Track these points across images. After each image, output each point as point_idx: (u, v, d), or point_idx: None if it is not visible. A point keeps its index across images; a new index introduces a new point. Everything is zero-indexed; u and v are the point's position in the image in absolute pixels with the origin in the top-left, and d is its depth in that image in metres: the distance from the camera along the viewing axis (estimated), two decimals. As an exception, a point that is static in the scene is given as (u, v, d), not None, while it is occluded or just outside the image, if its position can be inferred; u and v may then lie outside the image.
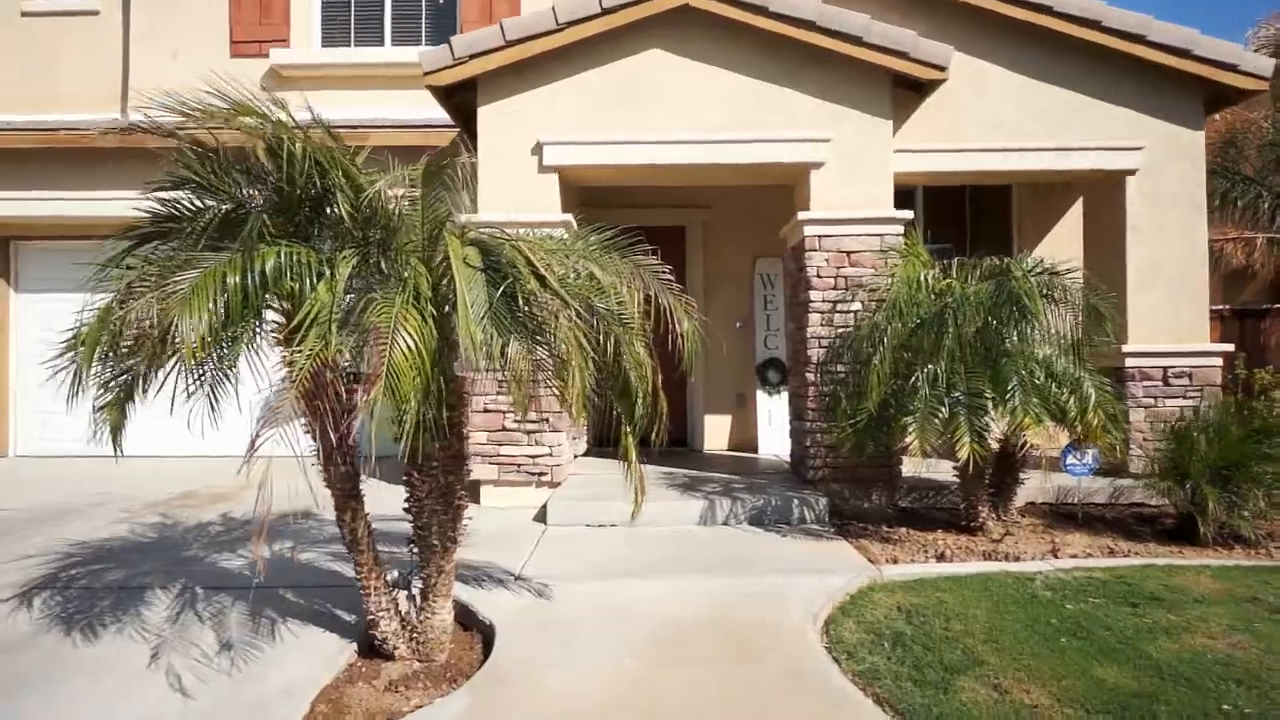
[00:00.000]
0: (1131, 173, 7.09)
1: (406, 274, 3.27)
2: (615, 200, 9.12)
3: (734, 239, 9.14)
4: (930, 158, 7.18)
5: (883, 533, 5.77)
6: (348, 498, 3.78)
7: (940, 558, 5.12)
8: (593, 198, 9.05)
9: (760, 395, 8.83)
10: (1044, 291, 5.08)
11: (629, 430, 4.17)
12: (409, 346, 3.09)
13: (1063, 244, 8.69)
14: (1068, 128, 7.10)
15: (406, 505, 3.91)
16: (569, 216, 6.84)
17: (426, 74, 6.72)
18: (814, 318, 6.68)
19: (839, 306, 6.58)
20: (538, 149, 6.84)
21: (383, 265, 3.42)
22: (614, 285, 3.90)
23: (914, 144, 7.08)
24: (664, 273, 4.20)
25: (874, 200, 6.74)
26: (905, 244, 5.58)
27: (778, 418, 8.79)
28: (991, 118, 7.14)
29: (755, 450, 8.80)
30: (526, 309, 3.39)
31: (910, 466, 6.44)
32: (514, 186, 6.81)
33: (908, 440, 5.10)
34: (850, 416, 5.47)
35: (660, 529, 5.99)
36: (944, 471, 6.24)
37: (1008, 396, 4.93)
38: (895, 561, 5.06)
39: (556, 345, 3.42)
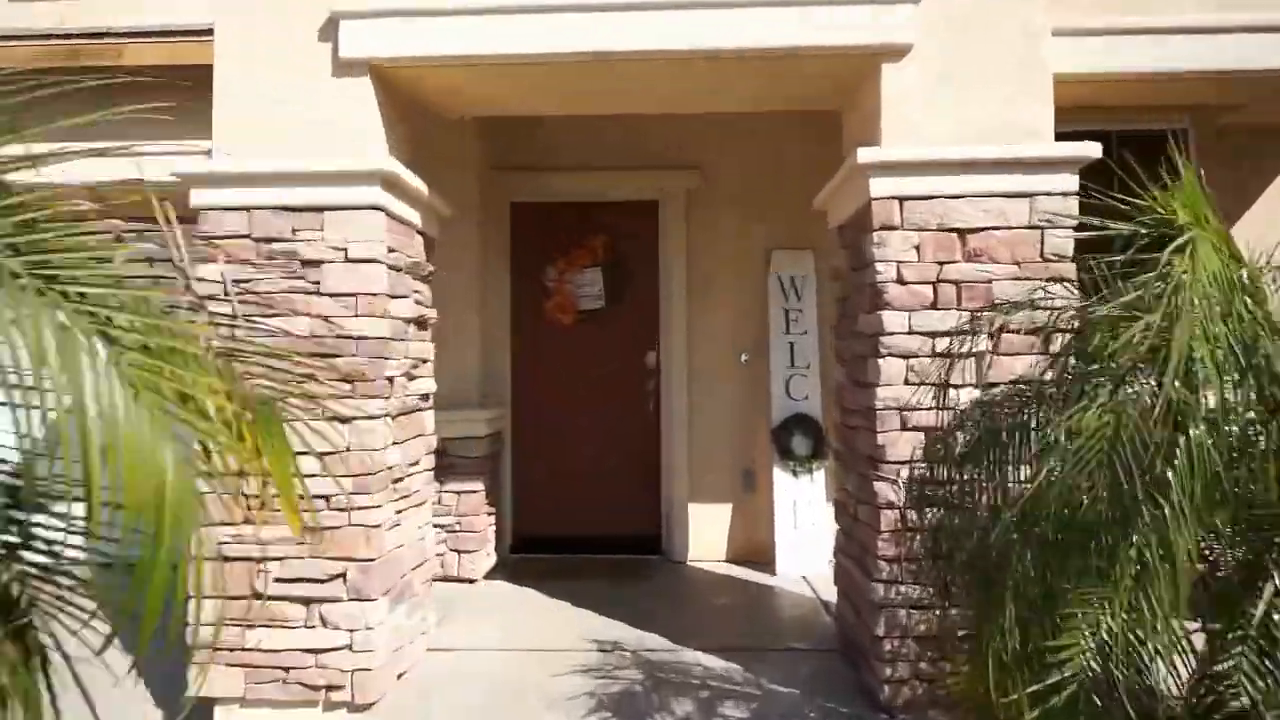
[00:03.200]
0: None
1: None
2: (546, 158, 5.71)
3: (736, 219, 5.68)
4: (1098, 48, 3.73)
5: None
6: None
7: None
8: (507, 152, 5.65)
9: (780, 475, 5.38)
10: None
11: None
12: None
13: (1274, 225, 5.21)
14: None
15: None
16: (394, 165, 3.43)
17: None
18: (890, 367, 3.23)
19: (942, 344, 3.11)
20: (330, 29, 3.41)
21: None
22: None
23: (1060, 20, 3.61)
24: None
25: (1016, 123, 3.29)
26: (1184, 214, 2.07)
27: (809, 512, 5.33)
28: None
29: (771, 565, 5.33)
30: None
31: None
32: (283, 108, 3.40)
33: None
34: (1026, 666, 1.99)
35: None
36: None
37: None
38: None
39: None
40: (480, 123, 5.31)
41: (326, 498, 3.29)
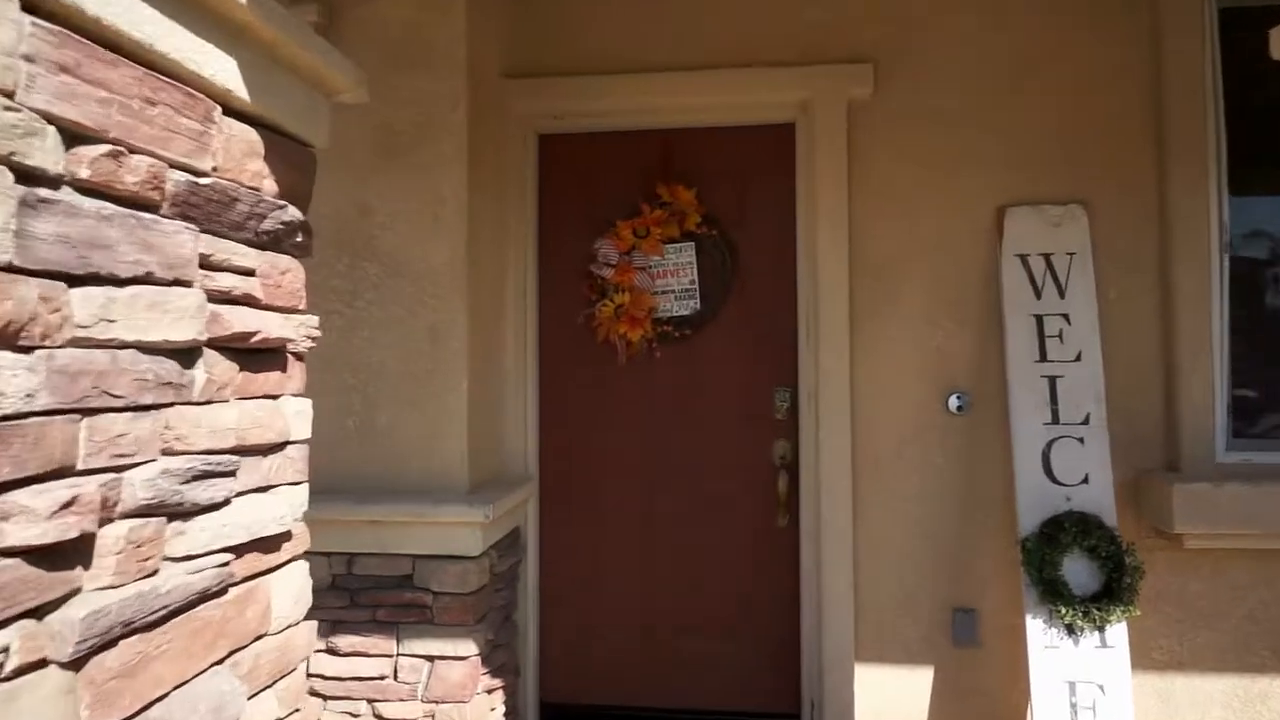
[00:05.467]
0: None
1: None
2: (598, 55, 3.32)
3: (939, 153, 3.18)
4: None
5: None
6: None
7: None
8: (531, 47, 3.28)
9: (1038, 628, 2.86)
10: None
11: None
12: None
13: None
14: None
15: None
16: None
17: None
18: None
19: None
20: None
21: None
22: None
23: None
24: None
25: None
26: None
27: (1100, 705, 2.78)
28: None
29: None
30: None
31: None
32: None
33: None
34: None
35: None
36: None
37: None
38: None
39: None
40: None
41: None
